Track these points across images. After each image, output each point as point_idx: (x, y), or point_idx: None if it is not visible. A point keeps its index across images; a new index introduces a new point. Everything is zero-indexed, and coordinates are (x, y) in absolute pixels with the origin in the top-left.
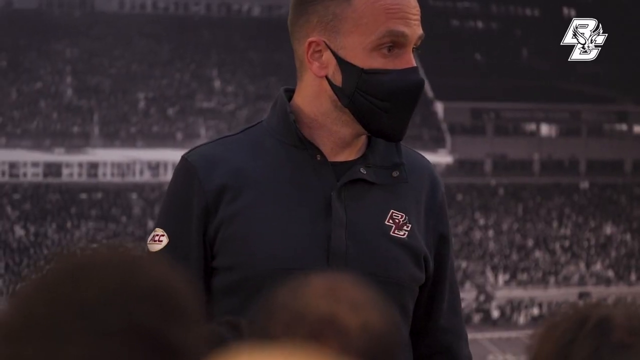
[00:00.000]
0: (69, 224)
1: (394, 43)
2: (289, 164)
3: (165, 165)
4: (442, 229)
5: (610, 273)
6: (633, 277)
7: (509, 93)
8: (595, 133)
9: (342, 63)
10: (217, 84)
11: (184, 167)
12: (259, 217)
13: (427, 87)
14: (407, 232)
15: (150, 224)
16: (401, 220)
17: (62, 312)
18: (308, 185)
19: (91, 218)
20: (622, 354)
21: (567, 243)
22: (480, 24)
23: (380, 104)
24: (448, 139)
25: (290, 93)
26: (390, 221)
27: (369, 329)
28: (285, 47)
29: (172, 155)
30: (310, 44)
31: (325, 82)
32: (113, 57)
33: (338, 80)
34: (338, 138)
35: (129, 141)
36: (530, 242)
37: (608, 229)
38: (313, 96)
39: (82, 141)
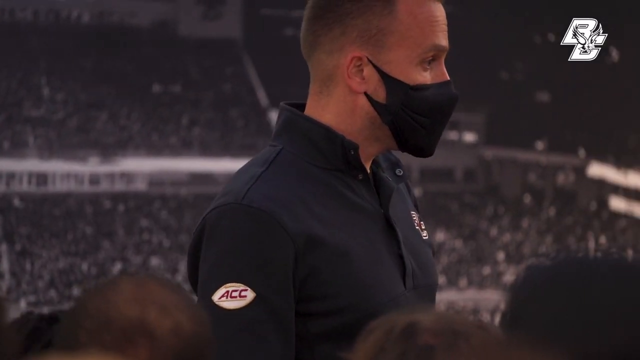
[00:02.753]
0: None
1: (434, 56)
2: (340, 189)
3: None
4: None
5: (442, 279)
6: (463, 282)
7: None
8: None
9: (386, 79)
10: (45, 91)
11: (252, 214)
12: (350, 256)
13: (262, 96)
14: (425, 231)
15: None
16: (418, 220)
17: None
18: (365, 209)
19: None
20: (426, 356)
21: None
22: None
23: (421, 120)
24: None
25: (290, 110)
26: (416, 224)
27: (179, 331)
28: (117, 54)
29: None
30: (352, 59)
31: (362, 98)
32: None
33: (381, 96)
34: (367, 154)
35: None
36: None
37: (440, 236)
38: (346, 113)
39: None
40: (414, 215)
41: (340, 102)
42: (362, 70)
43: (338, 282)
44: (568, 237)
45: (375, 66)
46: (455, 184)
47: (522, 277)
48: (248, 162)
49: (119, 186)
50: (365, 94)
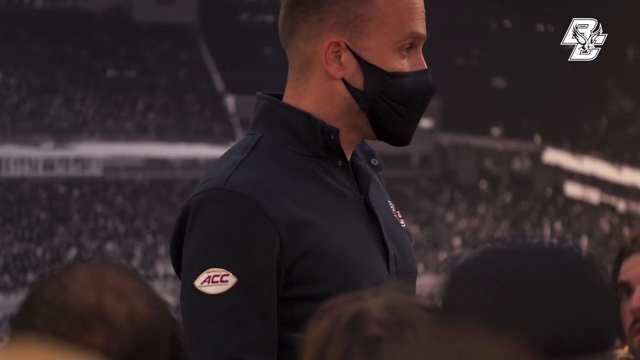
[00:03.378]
0: None
1: (411, 44)
2: (322, 175)
3: None
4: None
5: None
6: (420, 268)
7: None
8: None
9: (364, 65)
10: None
11: (235, 200)
12: (335, 240)
13: (218, 81)
14: (402, 219)
15: None
16: (394, 209)
17: None
18: (346, 195)
19: None
20: (372, 348)
21: None
22: (270, 18)
23: (399, 107)
24: (239, 132)
25: (268, 99)
26: (393, 212)
27: (136, 317)
28: (71, 39)
29: None
30: (330, 44)
31: (339, 85)
32: None
33: (359, 82)
34: (346, 141)
35: None
36: None
37: None
38: (324, 99)
39: None
40: (390, 204)
41: (318, 89)
42: (340, 57)
43: (323, 266)
44: (524, 222)
45: (353, 52)
46: (411, 170)
47: (450, 271)
48: (227, 151)
49: (74, 171)
50: (343, 80)
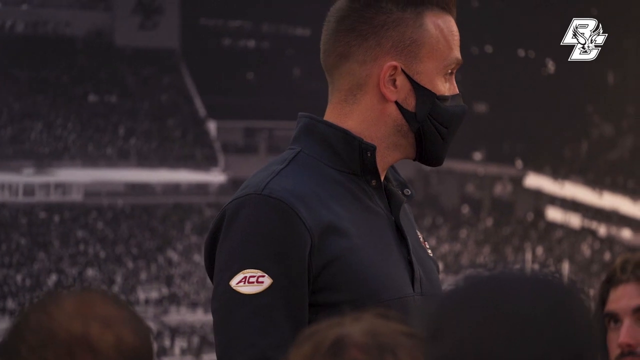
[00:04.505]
0: None
1: (452, 70)
2: (356, 192)
3: None
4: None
5: None
6: None
7: (282, 112)
8: None
9: (417, 88)
10: None
11: (271, 204)
12: (364, 251)
13: (200, 106)
14: (429, 250)
15: None
16: (422, 238)
17: None
18: (378, 212)
19: None
20: None
21: None
22: (252, 43)
23: (442, 130)
24: (221, 157)
25: (308, 117)
26: (423, 242)
27: (122, 346)
28: (53, 64)
29: None
30: (388, 68)
31: (391, 107)
32: None
33: (411, 105)
34: (385, 162)
35: None
36: None
37: None
38: (372, 120)
39: None
40: (418, 234)
41: (367, 110)
42: (394, 80)
43: (349, 275)
44: (505, 247)
45: (407, 76)
46: None
47: (435, 302)
48: (268, 163)
49: (55, 197)
50: (396, 102)
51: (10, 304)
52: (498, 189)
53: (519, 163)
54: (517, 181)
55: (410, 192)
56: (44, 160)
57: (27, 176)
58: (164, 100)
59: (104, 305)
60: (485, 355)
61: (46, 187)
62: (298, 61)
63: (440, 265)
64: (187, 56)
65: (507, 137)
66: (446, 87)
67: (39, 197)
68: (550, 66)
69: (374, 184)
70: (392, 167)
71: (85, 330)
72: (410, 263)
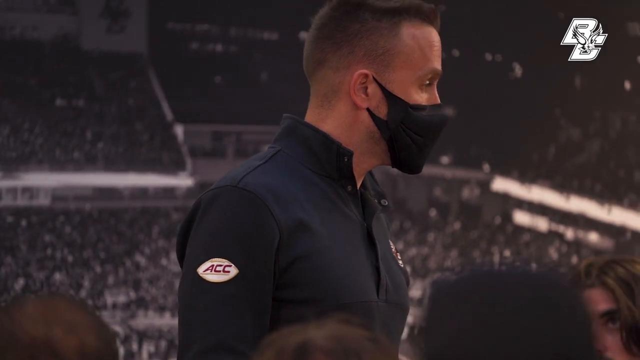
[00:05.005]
0: None
1: (430, 80)
2: (331, 195)
3: None
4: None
5: None
6: None
7: (250, 116)
8: None
9: (389, 97)
10: None
11: (244, 196)
12: (331, 252)
13: (167, 110)
14: (400, 261)
15: None
16: (394, 249)
17: None
18: (350, 217)
19: None
20: None
21: None
22: (219, 47)
23: (416, 138)
24: (189, 162)
25: (292, 118)
26: (395, 252)
27: (85, 350)
28: (19, 68)
29: None
30: (359, 75)
31: (364, 114)
32: None
33: (382, 113)
34: (362, 168)
35: None
36: None
37: None
38: (346, 126)
39: None
40: (391, 244)
41: (341, 116)
42: (366, 87)
43: (313, 274)
44: (473, 250)
45: (379, 84)
46: None
47: (429, 292)
48: (247, 159)
49: (22, 201)
50: (368, 109)
51: None
52: (465, 193)
53: (486, 167)
54: (485, 185)
55: (387, 204)
56: (11, 164)
57: None
58: (131, 104)
59: (68, 310)
60: (474, 352)
61: (13, 191)
62: (266, 65)
63: (408, 269)
64: (155, 60)
65: (474, 141)
66: (423, 97)
67: (6, 201)
68: (518, 70)
69: (349, 189)
70: (373, 177)
71: (48, 335)
72: (377, 270)
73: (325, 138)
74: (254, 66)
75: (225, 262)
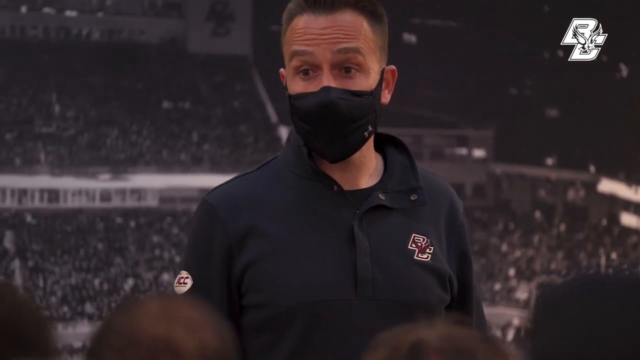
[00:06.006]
0: None
1: (311, 66)
2: (309, 196)
3: (4, 191)
4: (463, 248)
5: None
6: None
7: None
8: (436, 157)
9: (286, 91)
10: (56, 108)
11: (204, 209)
12: (285, 254)
13: (272, 112)
14: (430, 255)
15: None
16: (423, 243)
17: None
18: (329, 217)
19: None
20: None
21: None
22: None
23: (303, 126)
24: None
25: None
26: (413, 245)
27: (205, 350)
28: (127, 71)
29: (10, 181)
30: (281, 76)
31: None
32: None
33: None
34: (325, 165)
35: None
36: None
37: None
38: None
39: None
40: (419, 237)
41: None
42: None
43: (262, 278)
44: (579, 253)
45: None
46: (465, 200)
47: (538, 295)
48: None
49: (130, 202)
50: None
51: (89, 308)
52: (571, 194)
53: (592, 168)
54: (591, 186)
55: (416, 198)
56: (119, 166)
57: (103, 182)
58: (236, 106)
59: (187, 310)
60: (579, 355)
61: (122, 192)
62: None
63: (512, 271)
64: (259, 62)
65: (579, 143)
66: (302, 86)
67: (115, 202)
68: (624, 70)
69: (335, 189)
70: (413, 170)
71: (169, 334)
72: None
73: (298, 142)
74: None
75: (185, 274)
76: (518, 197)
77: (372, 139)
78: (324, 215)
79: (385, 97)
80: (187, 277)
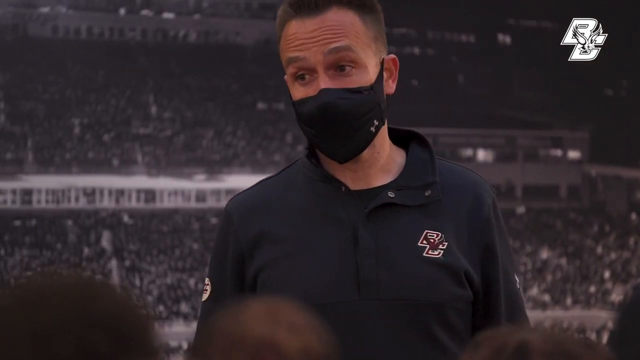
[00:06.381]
0: (2, 252)
1: (306, 71)
2: (320, 199)
3: (101, 191)
4: (488, 242)
5: (547, 297)
6: (569, 301)
7: (446, 119)
8: (531, 158)
9: (290, 97)
10: (153, 109)
11: (223, 215)
12: (293, 258)
13: None
14: (442, 251)
15: (87, 250)
16: (437, 239)
17: (16, 338)
18: (338, 218)
19: (25, 245)
20: None
21: None
22: (416, 50)
23: (310, 131)
24: None
25: None
26: (425, 242)
27: (309, 352)
28: (223, 72)
29: (108, 182)
30: (286, 81)
31: None
32: (47, 82)
33: None
34: (331, 167)
35: (64, 167)
36: None
37: (544, 254)
38: None
39: (16, 167)
40: (432, 233)
41: None
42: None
43: (271, 283)
44: None
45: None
46: (559, 202)
47: (629, 297)
48: None
49: (225, 203)
50: None
51: (184, 307)
52: None
53: None
54: None
55: (430, 193)
56: (214, 166)
57: (198, 182)
58: None
59: (291, 312)
60: None
61: (217, 193)
62: (462, 68)
63: (607, 274)
64: None
65: None
66: (302, 91)
67: (211, 202)
68: None
69: (343, 190)
70: (432, 165)
71: (274, 335)
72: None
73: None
74: (451, 69)
75: (207, 281)
76: (613, 198)
77: (385, 134)
78: (333, 217)
79: (390, 87)
80: (207, 285)
